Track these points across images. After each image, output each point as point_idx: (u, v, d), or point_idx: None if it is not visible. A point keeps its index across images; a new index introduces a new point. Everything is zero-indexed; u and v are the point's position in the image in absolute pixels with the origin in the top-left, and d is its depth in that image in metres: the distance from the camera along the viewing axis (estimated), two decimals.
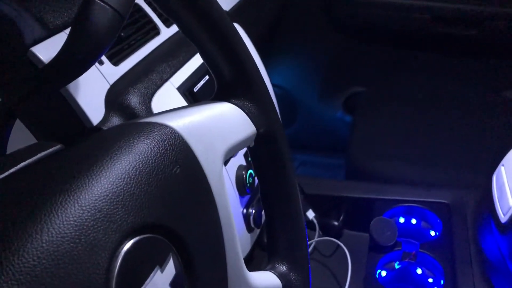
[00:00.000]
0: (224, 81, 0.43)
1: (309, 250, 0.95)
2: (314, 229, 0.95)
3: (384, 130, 1.23)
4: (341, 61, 1.58)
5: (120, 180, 0.30)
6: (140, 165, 0.32)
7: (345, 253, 0.87)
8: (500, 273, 0.75)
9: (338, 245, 0.91)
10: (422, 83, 1.41)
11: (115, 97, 0.60)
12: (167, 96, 0.65)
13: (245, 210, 0.78)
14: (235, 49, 0.42)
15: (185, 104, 0.67)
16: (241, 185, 0.76)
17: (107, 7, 0.46)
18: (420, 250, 0.86)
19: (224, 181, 0.39)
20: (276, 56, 1.59)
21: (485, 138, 1.14)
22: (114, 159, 0.32)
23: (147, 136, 0.35)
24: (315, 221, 0.94)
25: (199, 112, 0.40)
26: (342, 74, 1.60)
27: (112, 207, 0.29)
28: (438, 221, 0.92)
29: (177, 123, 0.37)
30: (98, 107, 0.59)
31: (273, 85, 1.62)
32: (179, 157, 0.35)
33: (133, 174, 0.31)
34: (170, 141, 0.35)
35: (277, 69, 1.61)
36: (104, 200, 0.29)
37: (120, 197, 0.30)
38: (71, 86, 0.55)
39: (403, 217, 0.95)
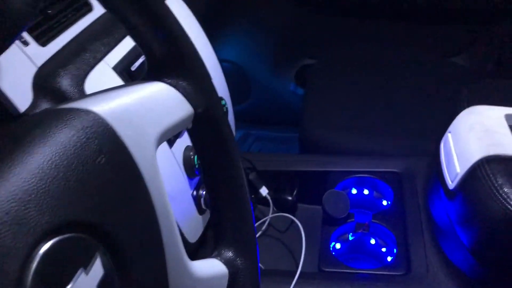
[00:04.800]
0: (155, 58, 0.40)
1: (264, 227, 0.94)
2: (269, 206, 0.94)
3: (335, 101, 1.23)
4: (291, 33, 1.56)
5: (32, 177, 0.27)
6: (57, 158, 0.29)
7: (299, 228, 0.86)
8: (448, 239, 0.76)
9: (293, 220, 0.90)
10: (372, 52, 1.41)
11: (43, 81, 0.56)
12: (102, 77, 0.61)
13: (195, 192, 0.76)
14: (164, 22, 0.39)
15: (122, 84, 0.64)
16: (190, 167, 0.74)
17: None
18: (372, 220, 0.87)
19: (158, 168, 0.36)
20: (226, 31, 1.55)
21: (435, 105, 1.16)
22: (26, 153, 0.28)
23: (66, 124, 0.31)
24: (268, 197, 0.93)
25: (128, 94, 0.37)
26: (293, 46, 1.58)
27: (22, 208, 0.26)
28: (390, 190, 0.93)
29: (102, 107, 0.34)
30: (25, 93, 0.55)
31: (225, 61, 1.60)
32: (104, 145, 0.32)
33: (48, 168, 0.28)
34: (93, 128, 0.32)
35: (228, 44, 1.57)
36: (12, 201, 0.26)
37: (33, 196, 0.27)
38: None
39: (355, 188, 0.95)
